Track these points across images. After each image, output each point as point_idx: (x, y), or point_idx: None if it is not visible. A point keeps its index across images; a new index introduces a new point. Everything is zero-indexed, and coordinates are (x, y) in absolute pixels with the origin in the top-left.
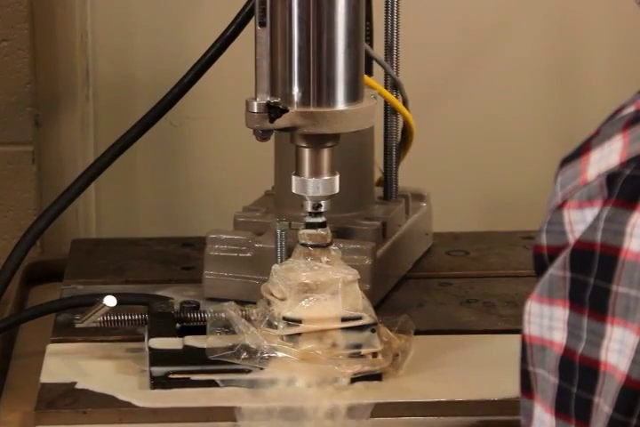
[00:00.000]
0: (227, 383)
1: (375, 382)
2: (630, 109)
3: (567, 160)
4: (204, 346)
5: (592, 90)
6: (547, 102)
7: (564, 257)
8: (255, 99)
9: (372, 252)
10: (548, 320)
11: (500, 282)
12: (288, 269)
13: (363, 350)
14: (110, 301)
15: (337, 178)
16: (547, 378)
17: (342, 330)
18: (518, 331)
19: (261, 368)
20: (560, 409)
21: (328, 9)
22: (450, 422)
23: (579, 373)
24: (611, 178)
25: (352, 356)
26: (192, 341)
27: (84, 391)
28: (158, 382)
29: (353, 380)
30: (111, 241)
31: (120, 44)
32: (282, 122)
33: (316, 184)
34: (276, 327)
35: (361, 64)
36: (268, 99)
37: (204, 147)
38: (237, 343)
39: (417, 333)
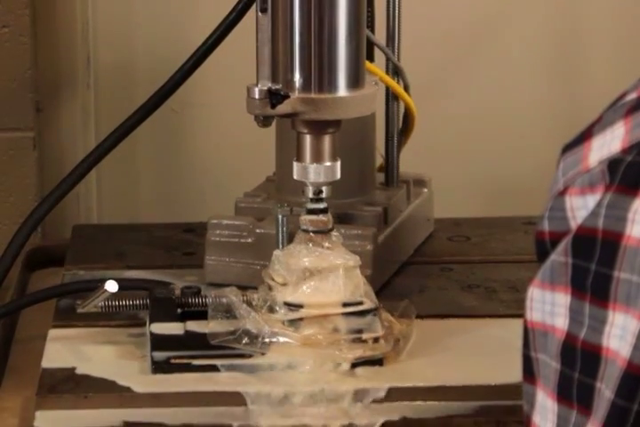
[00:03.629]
0: (228, 368)
1: (376, 367)
2: (632, 96)
3: (569, 147)
4: (206, 331)
5: (593, 76)
6: (548, 89)
7: (565, 243)
8: (256, 85)
9: (373, 237)
10: (549, 306)
11: (502, 267)
12: (289, 255)
13: (364, 335)
14: (111, 286)
15: (338, 164)
16: (549, 363)
17: (344, 315)
18: (520, 316)
19: (263, 353)
20: (562, 395)
21: None
22: (451, 407)
23: (580, 358)
24: (612, 164)
25: (353, 341)
26: (193, 326)
27: (86, 376)
28: (159, 367)
29: (354, 365)
30: (112, 227)
31: (121, 31)
32: (283, 108)
33: (318, 170)
34: (278, 312)
35: (362, 50)
36: (270, 85)
37: (206, 133)
38: (239, 328)
39: (418, 318)
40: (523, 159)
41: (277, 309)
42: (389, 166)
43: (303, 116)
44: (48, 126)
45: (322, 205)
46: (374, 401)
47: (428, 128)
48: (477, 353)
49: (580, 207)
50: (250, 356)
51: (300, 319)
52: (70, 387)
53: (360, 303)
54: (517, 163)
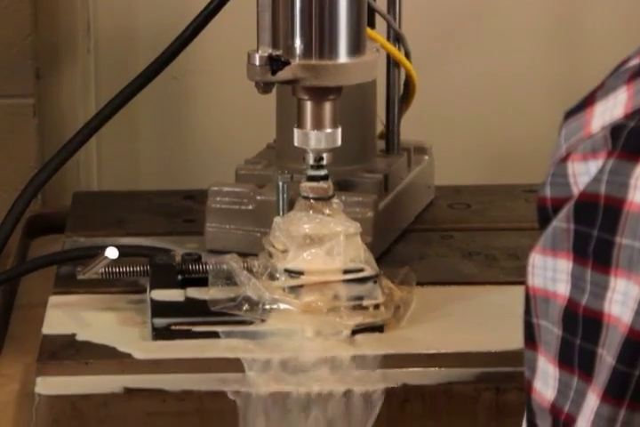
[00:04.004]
0: (228, 335)
1: (377, 334)
2: (635, 62)
3: (571, 113)
4: (206, 298)
5: (593, 43)
6: (549, 55)
7: (567, 209)
8: (257, 51)
9: (373, 204)
10: (551, 272)
11: (502, 235)
12: (290, 222)
13: (364, 302)
14: (112, 253)
15: (339, 131)
16: (550, 330)
17: (344, 282)
18: (520, 283)
19: (263, 320)
20: (563, 361)
21: None
22: (451, 374)
23: (582, 324)
24: (615, 130)
25: (354, 308)
26: (194, 292)
27: (86, 343)
28: (160, 334)
29: (355, 332)
30: (112, 194)
31: None
32: (284, 74)
33: (318, 137)
34: (278, 279)
35: (363, 16)
36: (270, 51)
37: (206, 99)
38: (239, 295)
39: (418, 285)
40: (524, 126)
41: (278, 276)
42: (390, 133)
43: (304, 82)
44: (48, 93)
45: (322, 172)
46: (374, 368)
47: (428, 95)
48: (477, 320)
49: (583, 173)
50: (250, 322)
51: (301, 286)
52: (71, 353)
53: (360, 270)
54: (518, 130)
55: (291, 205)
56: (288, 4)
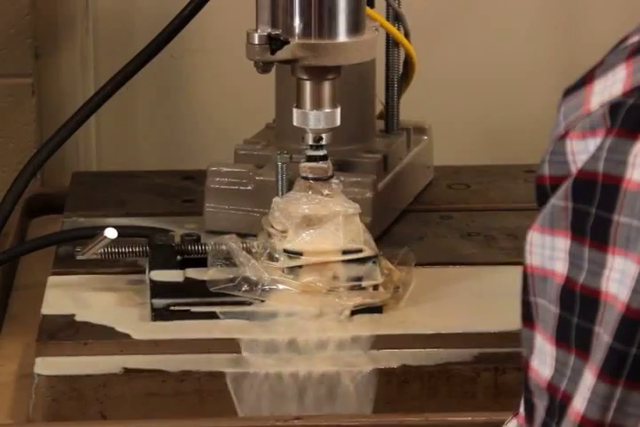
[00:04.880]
0: (227, 316)
1: (376, 315)
2: (635, 39)
3: (570, 90)
4: (205, 278)
5: (594, 22)
6: (549, 35)
7: (565, 187)
8: (256, 30)
9: (372, 185)
10: (549, 250)
11: (501, 215)
12: (289, 202)
13: (363, 283)
14: (111, 233)
15: (338, 111)
16: (547, 308)
17: (343, 262)
18: (519, 263)
19: (262, 300)
20: (560, 339)
21: None
22: (450, 354)
23: (579, 302)
24: (614, 108)
25: (353, 288)
26: (193, 273)
27: (85, 323)
28: (159, 314)
29: (354, 312)
30: (112, 174)
31: None
32: (283, 54)
33: (318, 117)
34: (277, 260)
35: None
36: (270, 30)
37: (205, 79)
38: (238, 276)
39: (417, 265)
40: (523, 107)
41: (277, 256)
42: (389, 113)
43: (303, 61)
44: (47, 72)
45: (321, 153)
46: (373, 348)
47: (428, 75)
48: (476, 300)
49: (581, 151)
50: (249, 303)
51: (300, 267)
52: (70, 334)
53: (359, 251)
54: (518, 110)
55: (290, 186)
56: None
